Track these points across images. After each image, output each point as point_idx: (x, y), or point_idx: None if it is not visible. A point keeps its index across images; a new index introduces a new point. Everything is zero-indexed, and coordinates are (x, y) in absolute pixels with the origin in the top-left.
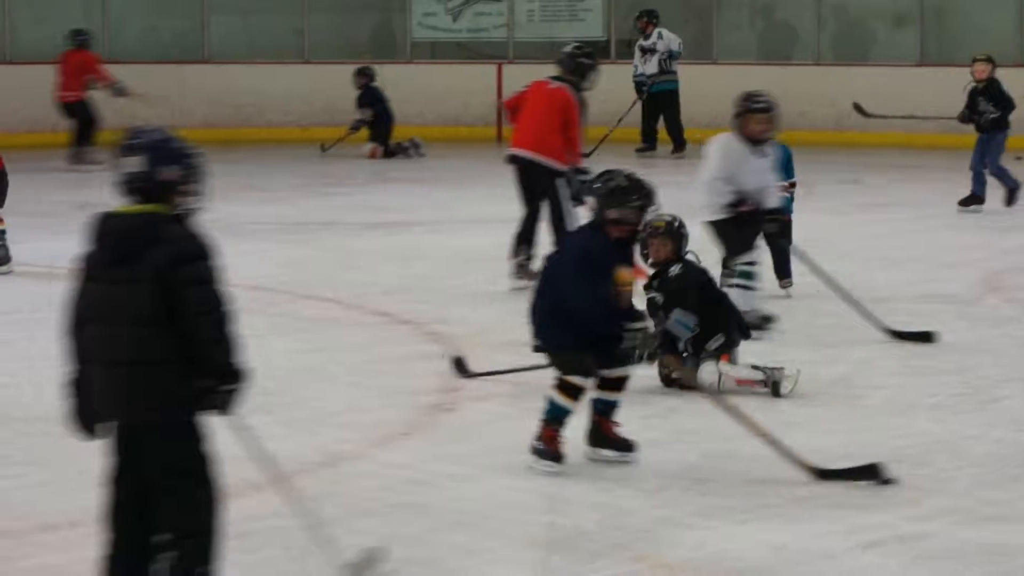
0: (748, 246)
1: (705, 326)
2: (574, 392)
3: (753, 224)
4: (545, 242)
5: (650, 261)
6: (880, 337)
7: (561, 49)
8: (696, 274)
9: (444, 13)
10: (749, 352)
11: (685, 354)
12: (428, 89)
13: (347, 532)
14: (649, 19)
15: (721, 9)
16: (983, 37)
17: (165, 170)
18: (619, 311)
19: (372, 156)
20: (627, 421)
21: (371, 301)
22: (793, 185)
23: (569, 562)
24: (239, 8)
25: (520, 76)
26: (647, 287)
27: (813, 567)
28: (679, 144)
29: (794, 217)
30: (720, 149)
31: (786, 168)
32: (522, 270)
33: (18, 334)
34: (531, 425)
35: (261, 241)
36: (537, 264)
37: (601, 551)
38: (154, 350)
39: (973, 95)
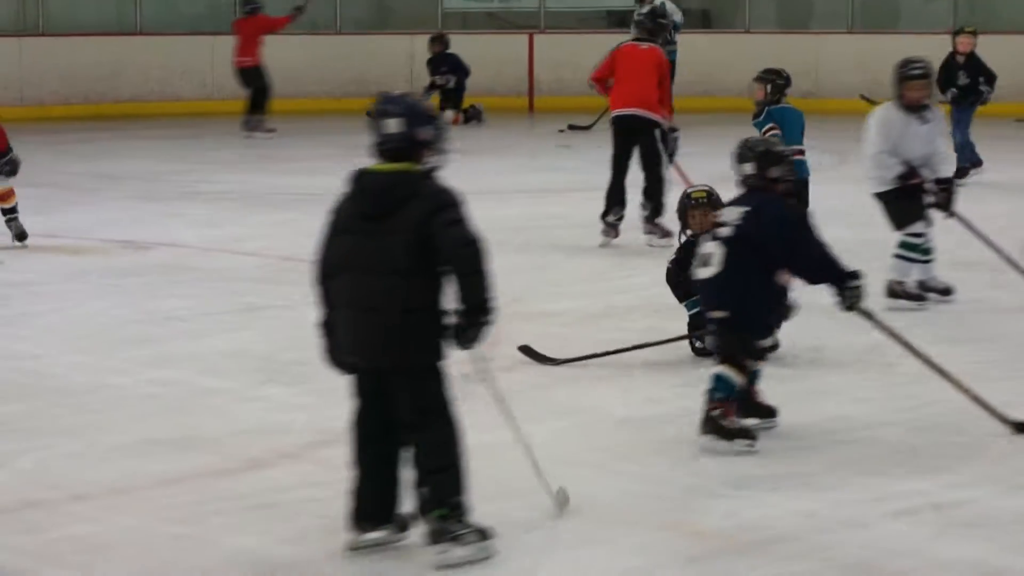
0: (915, 217)
1: None
2: (745, 369)
3: (921, 195)
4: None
5: (689, 232)
6: (915, 304)
7: (636, 13)
8: None
9: None
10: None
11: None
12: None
13: None
14: None
15: None
16: (1016, 5)
17: (421, 131)
18: (841, 266)
19: (455, 123)
20: (658, 390)
21: None
22: (802, 152)
23: (602, 530)
24: None
25: (551, 46)
26: (680, 259)
27: (841, 535)
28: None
29: (822, 186)
30: (880, 122)
31: (798, 133)
32: (612, 229)
33: (46, 305)
34: (563, 395)
35: (294, 212)
36: (617, 224)
37: (634, 519)
38: (408, 299)
39: (952, 68)
